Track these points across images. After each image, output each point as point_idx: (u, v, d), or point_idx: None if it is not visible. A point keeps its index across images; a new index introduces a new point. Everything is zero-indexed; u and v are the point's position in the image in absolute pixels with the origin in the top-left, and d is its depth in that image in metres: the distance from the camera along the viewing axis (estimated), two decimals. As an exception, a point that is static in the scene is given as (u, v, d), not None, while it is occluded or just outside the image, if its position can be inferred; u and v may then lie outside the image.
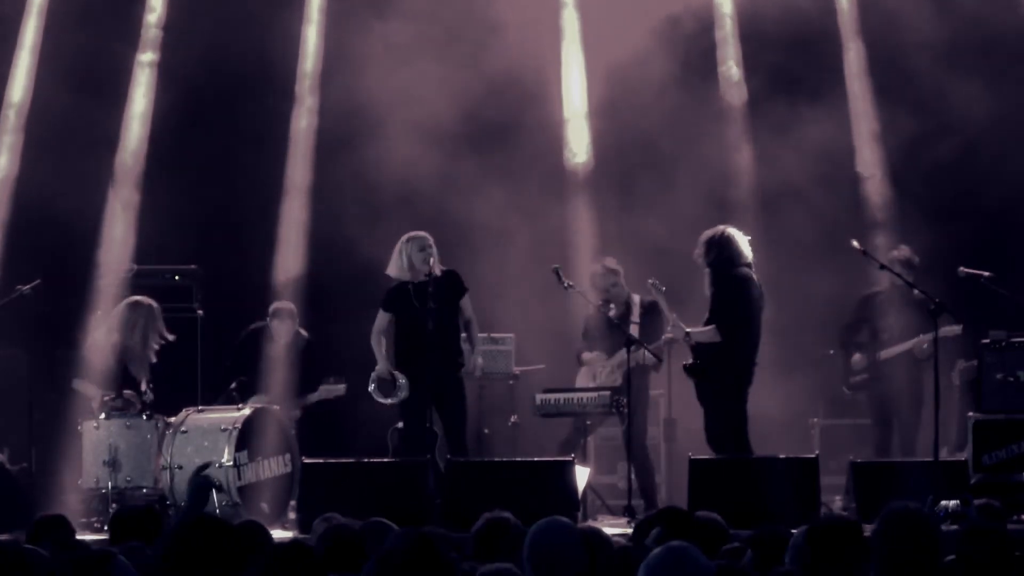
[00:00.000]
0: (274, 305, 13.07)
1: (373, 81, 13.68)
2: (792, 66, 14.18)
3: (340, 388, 12.84)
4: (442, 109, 13.81)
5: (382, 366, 11.99)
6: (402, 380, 11.89)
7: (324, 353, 13.13)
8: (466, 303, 12.06)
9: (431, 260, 11.86)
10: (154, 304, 12.52)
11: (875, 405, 13.08)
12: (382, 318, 12.06)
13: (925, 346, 12.60)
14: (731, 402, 11.72)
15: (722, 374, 11.72)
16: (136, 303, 12.50)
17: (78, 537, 10.18)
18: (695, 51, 14.17)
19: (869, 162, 13.96)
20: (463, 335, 12.05)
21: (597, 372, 12.75)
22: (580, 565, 5.70)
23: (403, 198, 13.82)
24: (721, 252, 11.76)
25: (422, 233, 12.02)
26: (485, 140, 14.04)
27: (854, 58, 14.16)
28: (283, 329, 12.86)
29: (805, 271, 13.16)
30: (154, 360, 12.43)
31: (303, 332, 12.97)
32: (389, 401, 11.96)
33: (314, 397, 12.82)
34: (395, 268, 12.02)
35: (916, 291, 12.14)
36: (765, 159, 13.83)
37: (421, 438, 11.78)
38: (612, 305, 12.67)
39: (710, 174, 13.90)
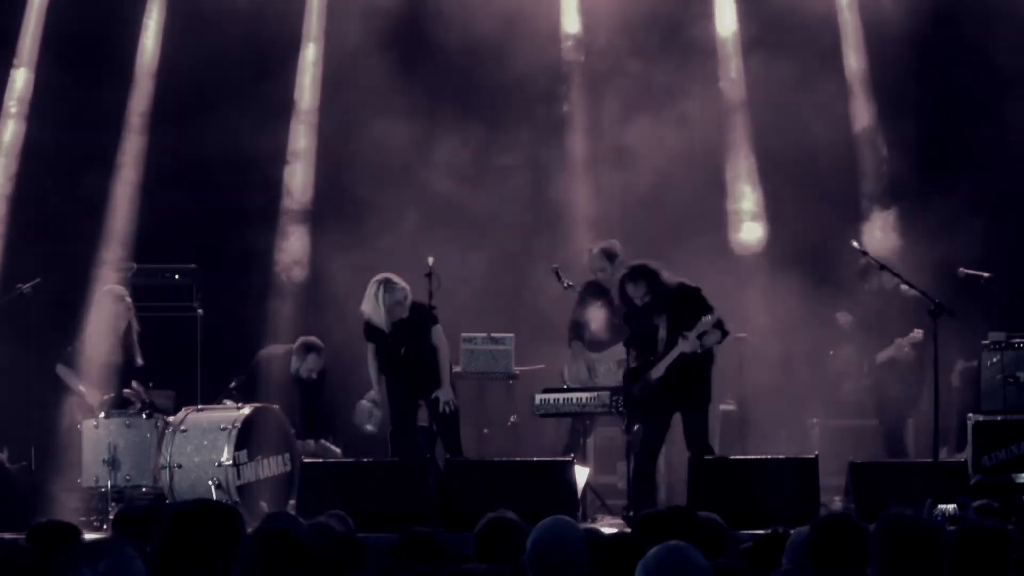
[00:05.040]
0: (304, 340, 13.04)
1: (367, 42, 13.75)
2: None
3: (336, 451, 12.83)
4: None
5: (371, 394, 12.25)
6: (376, 416, 12.22)
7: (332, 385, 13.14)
8: (435, 333, 12.07)
9: (407, 303, 12.03)
10: (124, 291, 12.63)
11: (878, 407, 13.08)
12: (370, 347, 12.26)
13: (906, 349, 12.67)
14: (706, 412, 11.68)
15: (699, 384, 11.65)
16: (109, 292, 12.59)
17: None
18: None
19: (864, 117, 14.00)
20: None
21: (595, 368, 12.72)
22: (582, 565, 5.70)
23: (398, 181, 13.89)
24: (655, 282, 11.51)
25: (398, 282, 12.04)
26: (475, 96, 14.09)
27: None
28: (312, 365, 12.89)
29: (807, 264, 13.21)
30: (140, 361, 12.48)
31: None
32: (364, 428, 12.27)
33: (311, 447, 12.72)
34: (370, 309, 12.08)
35: (916, 291, 12.13)
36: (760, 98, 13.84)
37: (408, 441, 11.99)
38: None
39: (704, 113, 13.86)
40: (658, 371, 11.48)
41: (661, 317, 11.51)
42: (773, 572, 6.24)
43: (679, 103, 13.68)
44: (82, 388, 12.28)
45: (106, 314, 12.48)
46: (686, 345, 11.40)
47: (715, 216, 14.04)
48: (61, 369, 12.43)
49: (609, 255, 12.59)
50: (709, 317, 11.43)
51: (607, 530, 8.66)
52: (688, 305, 11.49)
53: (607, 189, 13.96)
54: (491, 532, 6.54)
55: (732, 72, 14.13)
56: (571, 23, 14.34)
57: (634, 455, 11.69)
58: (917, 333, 12.52)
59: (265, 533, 4.79)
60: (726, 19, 14.24)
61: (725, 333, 11.60)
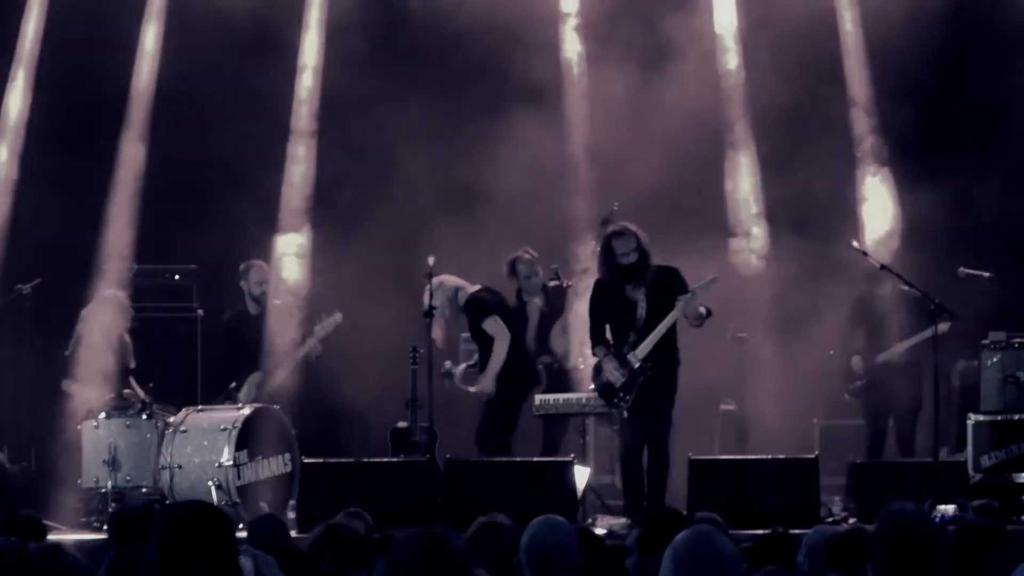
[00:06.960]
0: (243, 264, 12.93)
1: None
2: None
3: (336, 317, 12.57)
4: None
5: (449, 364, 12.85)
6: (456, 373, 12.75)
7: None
8: (488, 323, 12.34)
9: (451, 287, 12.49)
10: (124, 296, 12.65)
11: (870, 408, 12.94)
12: None
13: (901, 350, 12.58)
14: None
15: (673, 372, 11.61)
16: (111, 297, 12.61)
17: (79, 536, 10.28)
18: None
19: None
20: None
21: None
22: (575, 563, 5.71)
23: (396, 180, 13.91)
24: (642, 241, 11.41)
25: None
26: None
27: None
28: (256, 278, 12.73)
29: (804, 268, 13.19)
30: (133, 364, 12.52)
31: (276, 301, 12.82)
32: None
33: (311, 341, 12.57)
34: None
35: (916, 291, 12.13)
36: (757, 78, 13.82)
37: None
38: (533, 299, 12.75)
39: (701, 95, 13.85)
40: (645, 347, 11.32)
41: (640, 291, 11.39)
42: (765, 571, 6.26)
43: (676, 80, 13.64)
44: (85, 393, 12.31)
45: (105, 319, 12.48)
46: (683, 306, 11.22)
47: (713, 203, 14.00)
48: (68, 384, 12.43)
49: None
50: (711, 276, 11.37)
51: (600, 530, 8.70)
52: (670, 280, 11.37)
53: (605, 182, 13.94)
54: (481, 535, 6.56)
55: (729, 52, 14.07)
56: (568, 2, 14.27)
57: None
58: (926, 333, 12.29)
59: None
60: None
61: (709, 313, 11.45)
